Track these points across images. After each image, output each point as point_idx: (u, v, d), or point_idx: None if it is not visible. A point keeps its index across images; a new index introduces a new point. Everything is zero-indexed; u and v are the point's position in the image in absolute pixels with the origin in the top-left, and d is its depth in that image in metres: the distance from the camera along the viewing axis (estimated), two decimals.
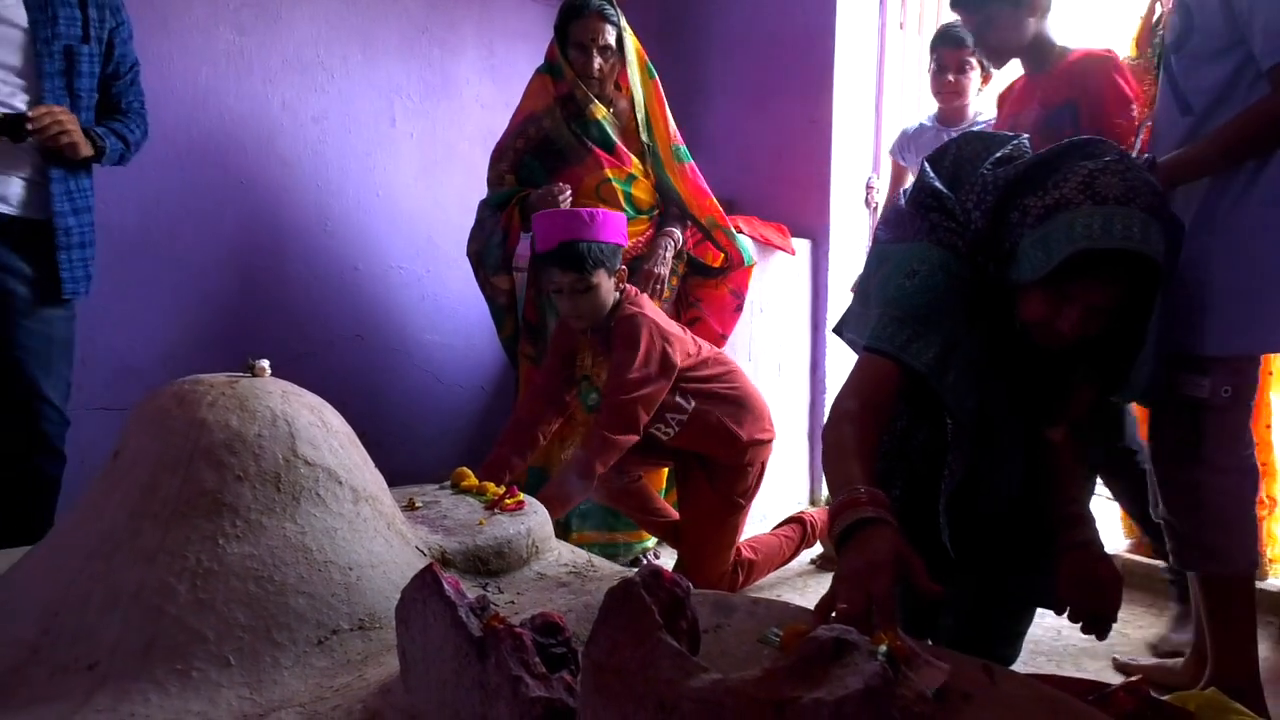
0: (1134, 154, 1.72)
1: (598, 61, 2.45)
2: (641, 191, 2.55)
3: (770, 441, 2.35)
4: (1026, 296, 1.31)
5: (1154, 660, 1.99)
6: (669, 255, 2.58)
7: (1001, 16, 2.17)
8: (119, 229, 2.55)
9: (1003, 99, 2.49)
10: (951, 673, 0.92)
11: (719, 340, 2.72)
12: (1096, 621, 1.32)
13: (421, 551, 1.46)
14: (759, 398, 2.35)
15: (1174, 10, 1.65)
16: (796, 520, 2.59)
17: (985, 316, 1.36)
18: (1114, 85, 2.14)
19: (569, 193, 2.42)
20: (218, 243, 2.74)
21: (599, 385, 2.34)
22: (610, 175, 2.51)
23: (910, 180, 2.13)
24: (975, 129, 2.01)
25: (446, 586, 0.95)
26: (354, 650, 1.21)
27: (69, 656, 1.13)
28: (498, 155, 2.62)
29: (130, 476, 1.27)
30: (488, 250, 2.58)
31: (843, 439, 1.24)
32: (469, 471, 1.92)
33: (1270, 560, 2.25)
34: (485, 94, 3.23)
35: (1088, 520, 1.40)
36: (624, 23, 2.50)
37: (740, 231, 2.97)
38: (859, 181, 3.47)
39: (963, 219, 1.38)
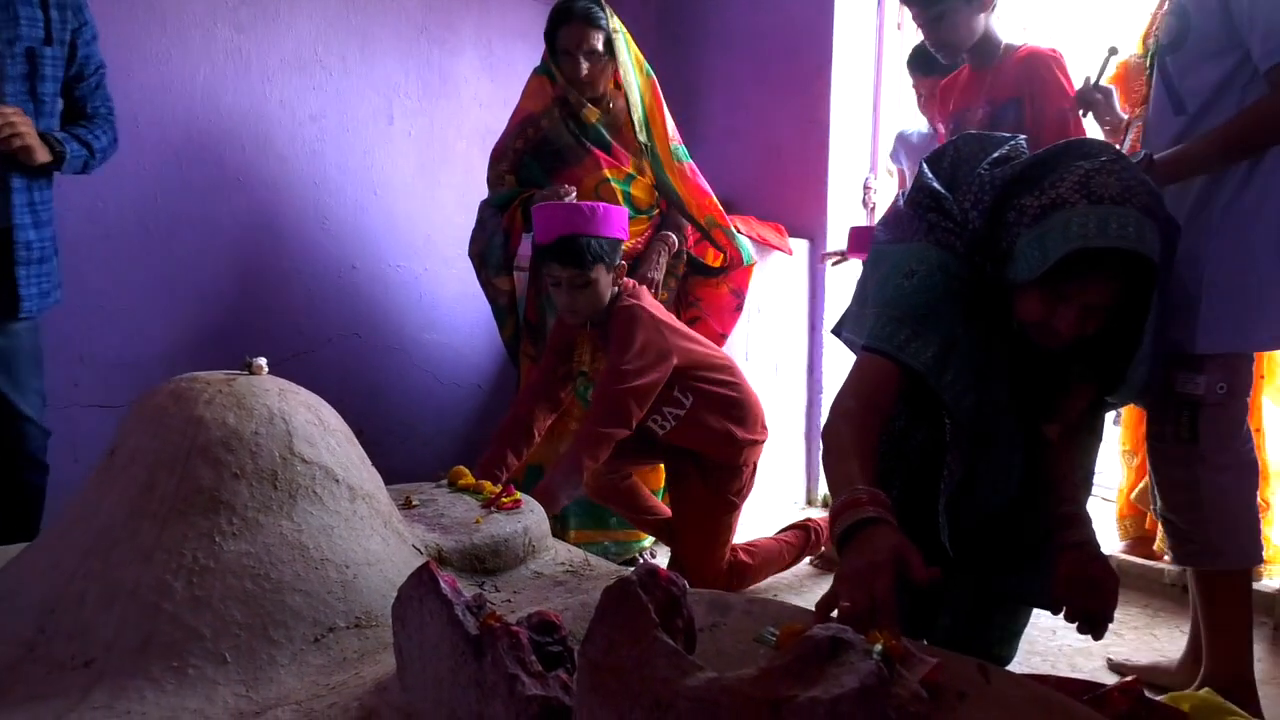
0: (1125, 151, 1.72)
1: (585, 67, 2.45)
2: (641, 191, 2.55)
3: (763, 442, 2.35)
4: (1023, 296, 1.31)
5: (1148, 660, 1.99)
6: (663, 261, 2.58)
7: (956, 14, 2.20)
8: (116, 226, 2.54)
9: (945, 90, 2.51)
10: (947, 672, 0.92)
11: (719, 340, 2.72)
12: (1092, 621, 1.32)
13: (418, 550, 1.46)
14: (756, 399, 2.35)
15: (1169, 12, 1.66)
16: (800, 527, 2.58)
17: (983, 316, 1.37)
18: (1057, 81, 2.21)
19: (574, 195, 2.42)
20: (215, 241, 2.74)
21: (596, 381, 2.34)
22: (609, 175, 2.51)
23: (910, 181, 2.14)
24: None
25: (443, 585, 0.96)
26: (350, 648, 1.22)
27: (65, 653, 1.13)
28: (497, 155, 2.61)
29: (127, 474, 1.27)
30: (489, 251, 2.58)
31: (842, 439, 1.25)
32: (466, 470, 1.92)
33: (1265, 561, 2.26)
34: (483, 92, 3.23)
35: (1084, 520, 1.41)
36: (615, 24, 2.49)
37: (739, 232, 2.97)
38: (856, 182, 3.48)
39: (960, 219, 1.39)
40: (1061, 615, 1.34)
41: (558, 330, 2.36)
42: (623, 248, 2.25)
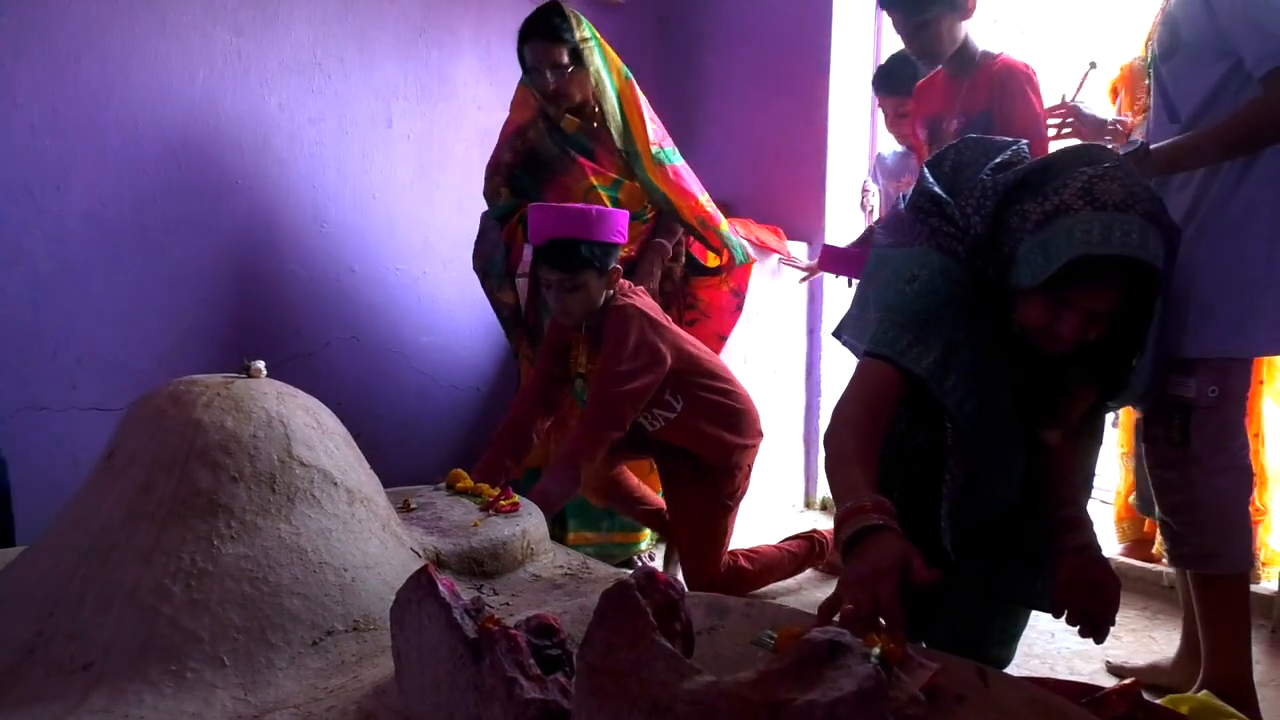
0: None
1: (551, 82, 2.45)
2: (629, 196, 2.54)
3: (756, 445, 2.34)
4: (1026, 301, 1.31)
5: (1146, 662, 2.00)
6: (657, 270, 2.58)
7: (940, 22, 2.20)
8: (115, 229, 2.54)
9: (920, 93, 2.52)
10: (945, 675, 0.92)
11: (717, 342, 2.71)
12: (1094, 624, 1.32)
13: (416, 553, 1.46)
14: (750, 403, 2.34)
15: (1161, 22, 1.67)
16: (805, 537, 2.56)
17: (985, 321, 1.37)
18: (1026, 102, 2.21)
19: None
20: (214, 243, 2.74)
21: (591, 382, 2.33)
22: (595, 183, 2.51)
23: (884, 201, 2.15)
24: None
25: (441, 588, 0.96)
26: (348, 651, 1.22)
27: (64, 656, 1.13)
28: (492, 169, 2.63)
29: (126, 477, 1.27)
30: (491, 264, 2.59)
31: (845, 447, 1.25)
32: (464, 473, 1.92)
33: (1262, 564, 2.26)
34: (482, 95, 3.23)
35: (1085, 524, 1.41)
36: (585, 32, 2.48)
37: (736, 234, 2.97)
38: (854, 185, 3.48)
39: (962, 224, 1.39)
40: (1062, 618, 1.35)
41: (553, 330, 2.36)
42: (619, 252, 2.23)
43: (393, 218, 3.10)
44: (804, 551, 2.52)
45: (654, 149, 2.52)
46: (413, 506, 1.71)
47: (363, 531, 1.35)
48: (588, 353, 2.32)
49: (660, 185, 2.53)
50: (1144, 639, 2.18)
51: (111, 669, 1.11)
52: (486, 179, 2.63)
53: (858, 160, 3.49)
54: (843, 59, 3.36)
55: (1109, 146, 1.80)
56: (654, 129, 2.54)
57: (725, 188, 3.56)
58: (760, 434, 2.34)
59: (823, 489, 3.41)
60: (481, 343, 3.29)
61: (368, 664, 1.19)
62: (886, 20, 3.47)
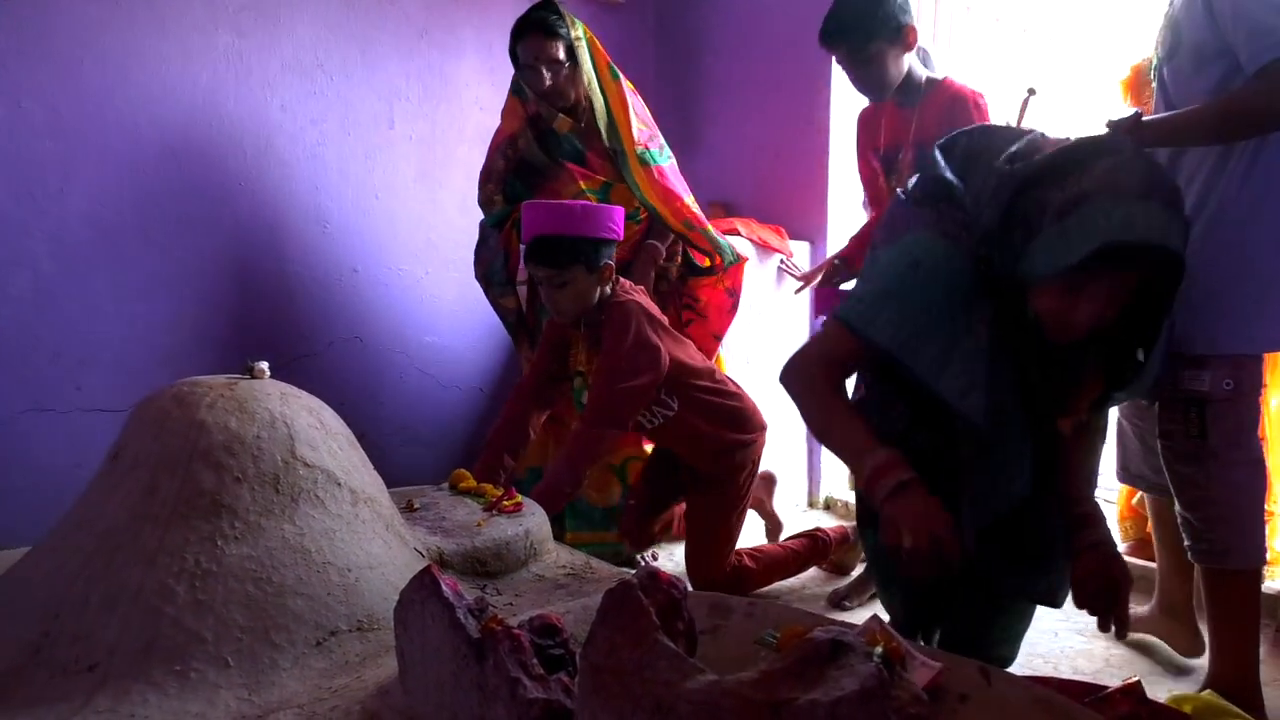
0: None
1: (548, 78, 2.45)
2: (620, 198, 2.54)
3: (759, 440, 2.33)
4: (1042, 290, 1.30)
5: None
6: (650, 271, 2.59)
7: (885, 55, 2.23)
8: (118, 231, 2.55)
9: (866, 123, 2.53)
10: (948, 674, 0.92)
11: (714, 342, 2.71)
12: (1117, 620, 1.34)
13: (420, 553, 1.46)
14: (748, 400, 2.33)
15: (1164, 25, 1.69)
16: (809, 536, 2.56)
17: (989, 311, 1.36)
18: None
19: None
20: (217, 245, 2.75)
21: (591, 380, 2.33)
22: (584, 187, 2.51)
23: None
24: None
25: (445, 588, 0.96)
26: (352, 651, 1.22)
27: (69, 657, 1.13)
28: (485, 177, 2.63)
29: (130, 478, 1.27)
30: (492, 271, 2.61)
31: (835, 406, 1.38)
32: (467, 473, 1.92)
33: (1270, 563, 2.25)
34: (484, 96, 3.23)
35: (1099, 520, 1.41)
36: (578, 32, 2.48)
37: (737, 233, 2.97)
38: (856, 183, 3.47)
39: (973, 211, 1.39)
40: (1076, 609, 1.37)
41: (551, 328, 2.36)
42: (613, 248, 2.21)
43: (395, 218, 3.10)
44: (808, 550, 2.51)
45: (639, 149, 2.50)
46: (416, 507, 1.71)
47: (366, 532, 1.35)
48: (587, 351, 2.32)
49: (645, 187, 2.52)
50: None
51: (116, 670, 1.11)
52: (480, 186, 2.64)
53: None
54: None
55: None
56: (641, 129, 2.52)
57: (727, 188, 3.56)
58: (763, 426, 2.34)
59: (825, 489, 3.41)
60: (484, 343, 3.29)
61: (371, 664, 1.20)
62: None
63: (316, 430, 1.38)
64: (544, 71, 2.44)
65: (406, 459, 3.05)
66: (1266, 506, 1.70)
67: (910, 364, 1.33)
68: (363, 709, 1.05)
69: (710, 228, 2.61)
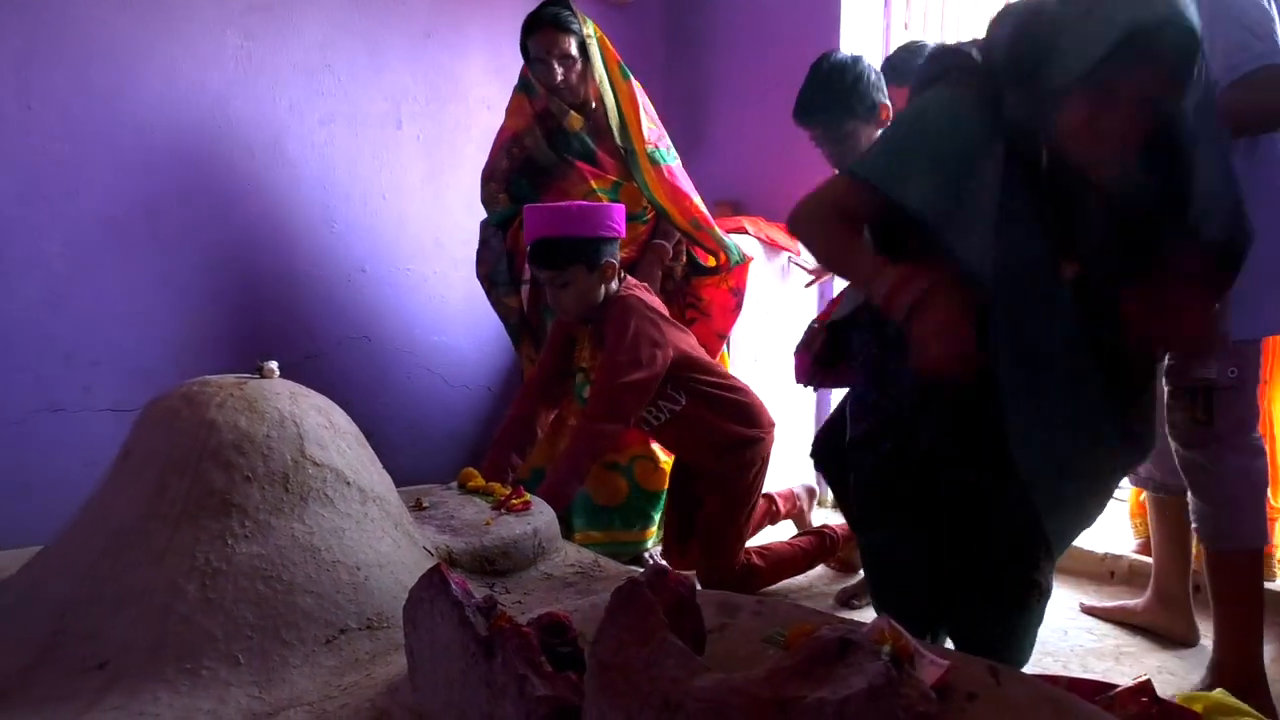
0: None
1: (559, 73, 2.44)
2: (629, 197, 2.54)
3: (768, 438, 2.33)
4: (1067, 104, 1.27)
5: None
6: (657, 271, 2.58)
7: (858, 133, 2.27)
8: (127, 231, 2.56)
9: None
10: (956, 673, 0.92)
11: (718, 341, 2.71)
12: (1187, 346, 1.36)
13: (429, 551, 1.47)
14: (755, 399, 2.33)
15: None
16: (816, 533, 2.56)
17: (1004, 158, 1.32)
18: None
19: None
20: (226, 244, 2.76)
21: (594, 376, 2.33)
22: (595, 186, 2.50)
23: None
24: None
25: (454, 586, 0.96)
26: (362, 649, 1.22)
27: (80, 655, 1.14)
28: (488, 175, 2.62)
29: (140, 477, 1.28)
30: (496, 272, 2.60)
31: (841, 235, 1.40)
32: (476, 472, 1.93)
33: (1277, 561, 2.25)
34: (492, 96, 3.24)
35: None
36: (590, 28, 2.48)
37: (745, 232, 2.96)
38: None
39: (984, 54, 1.37)
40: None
41: (558, 325, 2.36)
42: (614, 246, 2.21)
43: (403, 218, 3.11)
44: (816, 548, 2.51)
45: (649, 148, 2.50)
46: (425, 505, 1.72)
47: (375, 530, 1.36)
48: (591, 348, 2.32)
49: (655, 187, 2.52)
50: (1156, 637, 2.15)
51: (127, 668, 1.12)
52: (483, 184, 2.63)
53: None
54: None
55: None
56: (651, 128, 2.53)
57: (735, 186, 3.55)
58: (771, 424, 2.34)
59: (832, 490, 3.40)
60: (492, 343, 3.30)
61: (381, 662, 1.20)
62: (895, 18, 3.48)
63: (326, 429, 1.38)
64: (555, 66, 2.44)
65: (415, 458, 3.06)
66: (1270, 501, 1.76)
67: (922, 215, 1.29)
68: (372, 706, 1.06)
69: (716, 228, 2.61)
